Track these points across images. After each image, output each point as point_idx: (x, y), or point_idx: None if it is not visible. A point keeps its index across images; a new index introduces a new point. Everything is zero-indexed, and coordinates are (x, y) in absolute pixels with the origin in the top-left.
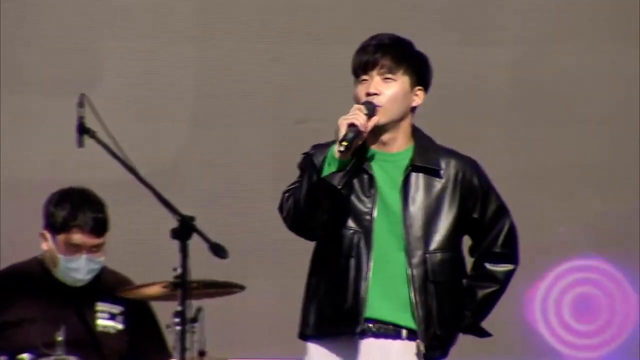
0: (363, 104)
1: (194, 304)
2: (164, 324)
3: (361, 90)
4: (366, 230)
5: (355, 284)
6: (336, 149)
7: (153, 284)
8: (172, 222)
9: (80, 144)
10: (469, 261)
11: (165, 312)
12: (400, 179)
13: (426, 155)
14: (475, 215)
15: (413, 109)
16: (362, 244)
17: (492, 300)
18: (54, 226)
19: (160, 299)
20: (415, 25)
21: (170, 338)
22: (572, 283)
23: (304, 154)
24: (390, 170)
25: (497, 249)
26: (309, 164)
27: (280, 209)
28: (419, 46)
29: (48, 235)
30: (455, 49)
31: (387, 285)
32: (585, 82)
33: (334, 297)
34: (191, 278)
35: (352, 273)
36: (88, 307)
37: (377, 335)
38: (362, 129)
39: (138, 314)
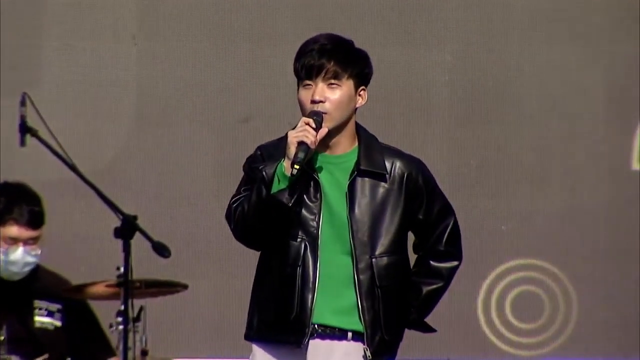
0: (309, 115)
1: (137, 303)
2: (107, 323)
3: (305, 96)
4: (312, 237)
5: (302, 294)
6: (286, 167)
7: (96, 283)
8: (115, 221)
9: (23, 142)
10: (412, 258)
11: (108, 312)
12: (345, 182)
13: (371, 158)
14: (421, 216)
15: (356, 109)
16: (309, 253)
17: (436, 296)
18: None
19: (103, 298)
20: (355, 24)
21: (113, 337)
22: (514, 282)
23: (249, 157)
24: (335, 172)
25: (442, 247)
26: (258, 178)
27: (228, 219)
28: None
29: None
30: (396, 49)
31: (334, 289)
32: (524, 80)
33: (280, 306)
34: (134, 277)
35: (298, 282)
36: (25, 305)
37: (323, 336)
38: (312, 146)
39: (77, 312)
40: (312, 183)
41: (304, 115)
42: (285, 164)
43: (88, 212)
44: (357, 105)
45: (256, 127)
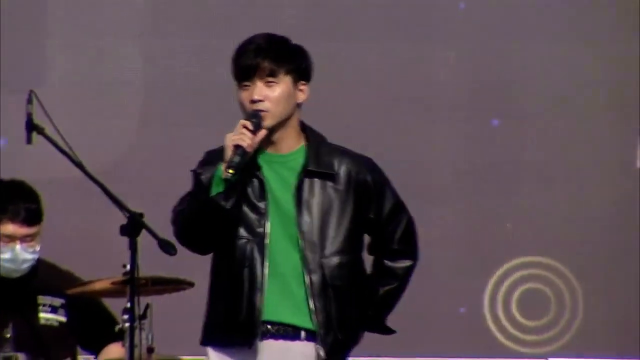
0: (248, 117)
1: (143, 300)
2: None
3: (245, 96)
4: (259, 237)
5: (250, 294)
6: (223, 170)
7: (101, 280)
8: (121, 219)
9: (29, 140)
10: (368, 259)
11: (114, 309)
12: (292, 181)
13: (319, 158)
14: (372, 215)
15: (299, 105)
16: (256, 253)
17: (393, 297)
18: None
19: (109, 295)
20: (360, 21)
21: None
22: (520, 280)
23: (193, 171)
24: (281, 172)
25: (395, 245)
26: (196, 182)
27: (172, 223)
28: (367, 45)
29: None
30: (401, 47)
31: (285, 287)
32: (531, 77)
33: (229, 307)
34: (140, 275)
35: (246, 284)
36: (29, 301)
37: (276, 336)
38: (248, 149)
39: (80, 304)
40: (257, 183)
41: (242, 114)
42: (223, 167)
43: (94, 210)
44: (299, 101)
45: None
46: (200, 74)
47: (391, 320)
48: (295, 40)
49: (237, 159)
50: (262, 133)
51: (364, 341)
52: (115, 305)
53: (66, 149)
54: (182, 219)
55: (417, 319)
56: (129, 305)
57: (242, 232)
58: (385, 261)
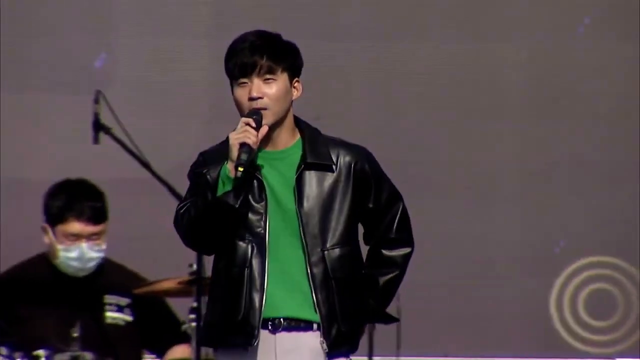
0: (249, 114)
1: None
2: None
3: (242, 94)
4: (259, 238)
5: (250, 295)
6: (230, 169)
7: (168, 279)
8: None
9: (96, 140)
10: (364, 249)
11: (180, 308)
12: (292, 176)
13: (316, 151)
14: (371, 205)
15: (291, 102)
16: (256, 254)
17: (394, 285)
18: (52, 217)
19: (175, 295)
20: (425, 20)
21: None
22: (587, 280)
23: (192, 164)
24: (280, 168)
25: (393, 234)
26: (202, 183)
27: (176, 225)
28: (430, 44)
29: (48, 227)
30: (466, 45)
31: (291, 282)
32: (597, 77)
33: (228, 308)
34: (207, 274)
35: (246, 284)
36: (96, 301)
37: (289, 329)
38: (254, 146)
39: (146, 304)
40: (255, 183)
41: (241, 114)
42: (229, 166)
43: (159, 210)
44: (294, 98)
45: (327, 125)
46: None
47: (459, 320)
48: (367, 42)
49: (244, 156)
50: (264, 130)
51: (432, 341)
52: (182, 305)
53: (133, 149)
54: (188, 220)
55: (483, 319)
56: (195, 304)
57: (243, 233)
58: (383, 250)
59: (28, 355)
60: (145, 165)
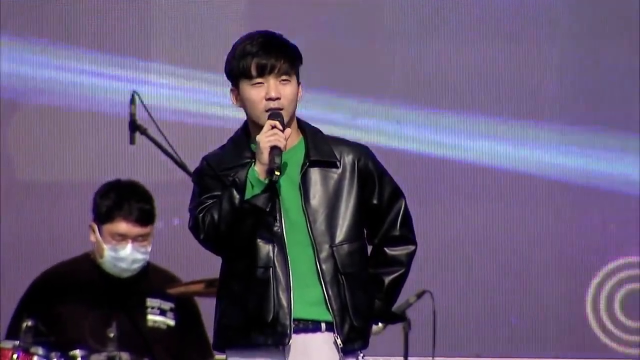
0: (272, 117)
1: None
2: (210, 321)
3: (257, 93)
4: (278, 237)
5: (278, 294)
6: (259, 172)
7: (201, 281)
8: None
9: (132, 141)
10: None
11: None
12: (296, 175)
13: (319, 148)
14: (375, 201)
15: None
16: (278, 253)
17: (399, 284)
18: (100, 216)
19: (209, 295)
20: (457, 23)
21: None
22: (624, 280)
23: (196, 170)
24: (285, 167)
25: (396, 232)
26: (229, 184)
27: (195, 229)
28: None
29: (95, 226)
30: (502, 47)
31: (301, 282)
32: (631, 79)
33: (255, 309)
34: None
35: (273, 283)
36: (138, 303)
37: (297, 331)
38: (283, 149)
39: (186, 311)
40: None
41: (253, 113)
42: (258, 168)
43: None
44: (299, 99)
45: (365, 125)
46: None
47: (493, 321)
48: (411, 42)
49: (278, 161)
50: (288, 132)
51: (466, 342)
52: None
53: (169, 150)
54: (211, 223)
55: (518, 319)
56: None
57: (262, 233)
58: (387, 249)
59: (64, 355)
60: (181, 165)
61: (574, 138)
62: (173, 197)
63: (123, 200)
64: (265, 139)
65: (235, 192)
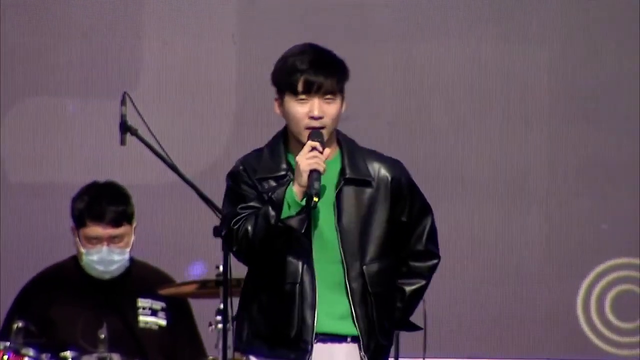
0: (313, 137)
1: (236, 301)
2: (205, 322)
3: (301, 110)
4: (307, 254)
5: (302, 311)
6: (297, 193)
7: (195, 282)
8: (214, 220)
9: (123, 142)
10: None
11: (206, 310)
12: (331, 191)
13: (355, 165)
14: (404, 219)
15: None
16: (306, 270)
17: (419, 295)
18: (75, 221)
19: (201, 296)
20: (450, 22)
21: (213, 336)
22: (614, 281)
23: (231, 173)
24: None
25: (422, 246)
26: (267, 200)
27: (228, 239)
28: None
29: (75, 230)
30: (493, 46)
31: (328, 297)
32: (623, 79)
33: (280, 322)
34: (233, 276)
35: (297, 299)
36: (129, 304)
37: (324, 341)
38: (323, 173)
39: (178, 311)
40: None
41: (294, 128)
42: (296, 189)
43: (186, 211)
44: (341, 115)
45: (356, 126)
46: None
47: (485, 323)
48: (385, 41)
49: (317, 185)
50: (327, 153)
51: (458, 344)
52: (208, 306)
53: (160, 151)
54: (245, 237)
55: (509, 321)
56: (222, 306)
57: (291, 249)
58: (412, 262)
59: (55, 357)
60: (172, 166)
61: (565, 138)
62: (162, 198)
63: (94, 204)
64: (306, 161)
65: (271, 211)
